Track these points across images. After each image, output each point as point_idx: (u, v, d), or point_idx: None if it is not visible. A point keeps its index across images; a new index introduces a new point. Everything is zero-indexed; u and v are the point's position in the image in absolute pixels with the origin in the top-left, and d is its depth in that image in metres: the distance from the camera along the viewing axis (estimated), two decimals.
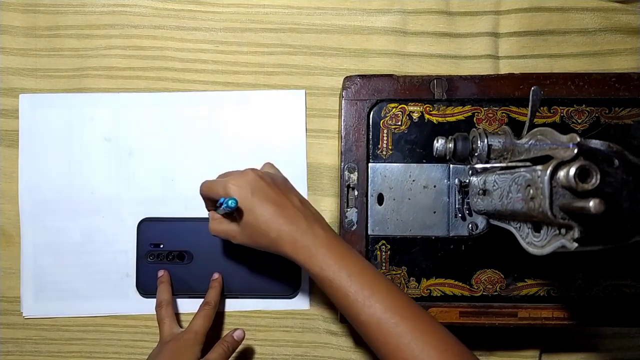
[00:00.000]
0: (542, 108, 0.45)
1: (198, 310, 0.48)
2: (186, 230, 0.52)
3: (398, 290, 0.39)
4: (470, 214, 0.45)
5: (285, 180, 0.44)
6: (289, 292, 0.51)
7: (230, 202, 0.38)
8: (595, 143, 0.29)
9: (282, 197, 0.41)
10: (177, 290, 0.51)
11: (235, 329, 0.48)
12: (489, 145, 0.38)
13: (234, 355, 0.47)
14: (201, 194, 0.44)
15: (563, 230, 0.29)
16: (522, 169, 0.32)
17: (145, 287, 0.51)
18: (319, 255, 0.39)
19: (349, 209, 0.45)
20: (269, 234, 0.40)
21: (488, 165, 0.38)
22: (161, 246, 0.52)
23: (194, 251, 0.51)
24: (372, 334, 0.37)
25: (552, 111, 0.45)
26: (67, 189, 0.53)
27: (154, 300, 0.49)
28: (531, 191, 0.31)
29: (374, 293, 0.37)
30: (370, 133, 0.46)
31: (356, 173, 0.46)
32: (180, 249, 0.51)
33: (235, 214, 0.41)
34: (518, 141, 0.37)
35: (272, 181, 0.42)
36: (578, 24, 0.52)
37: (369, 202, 0.46)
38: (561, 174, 0.28)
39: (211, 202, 0.44)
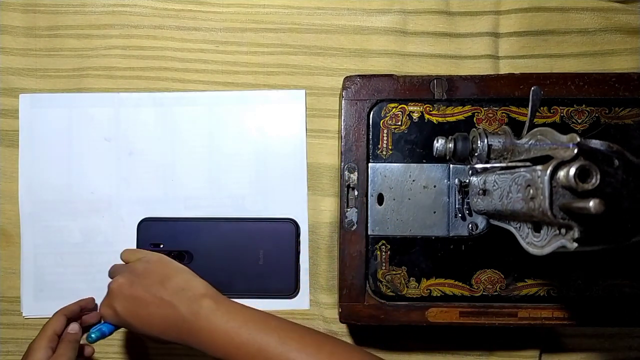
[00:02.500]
0: (542, 108, 0.45)
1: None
2: (186, 230, 0.52)
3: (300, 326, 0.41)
4: (470, 214, 0.45)
5: (147, 271, 0.43)
6: (289, 292, 0.51)
7: (92, 336, 0.42)
8: (595, 143, 0.29)
9: (149, 298, 0.41)
10: None
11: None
12: (489, 145, 0.38)
13: None
14: None
15: (563, 230, 0.29)
16: (522, 169, 0.32)
17: None
18: (219, 330, 0.39)
19: (349, 209, 0.45)
20: (166, 337, 0.41)
21: (488, 165, 0.38)
22: (161, 246, 0.52)
23: (194, 251, 0.51)
24: None
25: (552, 111, 0.45)
26: (67, 189, 0.53)
27: None
28: (531, 191, 0.31)
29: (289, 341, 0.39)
30: (370, 133, 0.46)
31: (356, 173, 0.45)
32: (180, 249, 0.51)
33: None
34: (518, 141, 0.37)
35: (131, 284, 0.42)
36: (578, 24, 0.52)
37: (369, 202, 0.46)
38: (561, 174, 0.28)
39: None
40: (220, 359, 0.39)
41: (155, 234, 0.52)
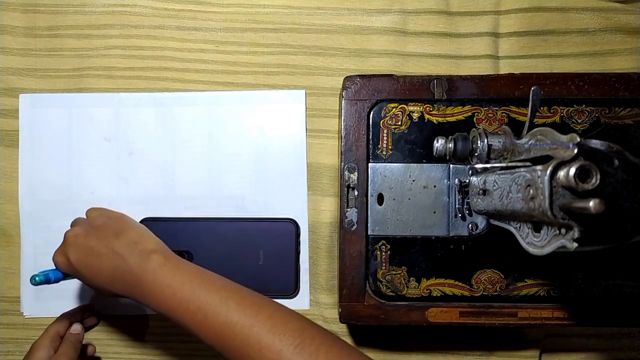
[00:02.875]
0: (542, 108, 0.45)
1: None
2: (186, 230, 0.52)
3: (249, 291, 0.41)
4: (470, 214, 0.45)
5: (104, 225, 0.44)
6: (289, 292, 0.51)
7: (36, 278, 0.42)
8: (595, 143, 0.29)
9: (102, 249, 0.41)
10: None
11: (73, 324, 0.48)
12: (489, 145, 0.38)
13: None
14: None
15: (563, 230, 0.29)
16: (522, 169, 0.32)
17: None
18: (163, 285, 0.39)
19: (349, 209, 0.45)
20: (113, 288, 0.41)
21: (488, 165, 0.38)
22: None
23: (194, 251, 0.51)
24: (228, 338, 0.37)
25: (552, 111, 0.45)
26: (67, 189, 0.53)
27: None
28: (531, 191, 0.31)
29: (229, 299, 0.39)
30: (370, 133, 0.46)
31: (356, 173, 0.45)
32: (180, 249, 0.51)
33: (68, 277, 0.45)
34: (518, 141, 0.37)
35: (87, 235, 0.42)
36: (578, 24, 0.52)
37: (369, 202, 0.46)
38: (561, 174, 0.28)
39: None
40: (163, 315, 0.39)
41: (155, 233, 0.51)
